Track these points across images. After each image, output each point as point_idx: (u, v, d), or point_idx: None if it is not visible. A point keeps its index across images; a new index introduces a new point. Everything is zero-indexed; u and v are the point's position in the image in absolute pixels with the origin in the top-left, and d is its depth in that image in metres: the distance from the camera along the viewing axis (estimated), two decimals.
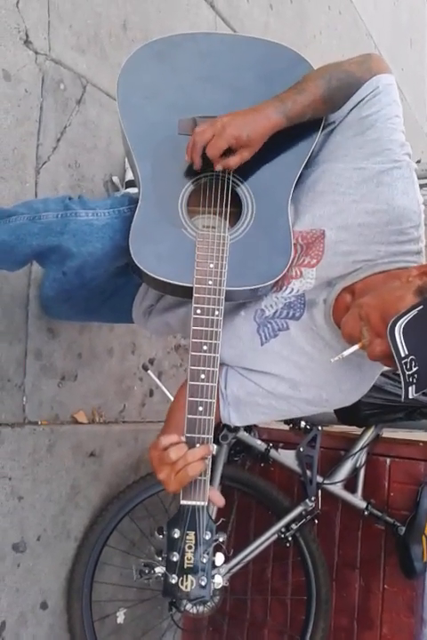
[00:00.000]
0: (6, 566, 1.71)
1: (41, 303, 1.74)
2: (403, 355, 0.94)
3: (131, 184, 1.92)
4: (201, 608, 1.83)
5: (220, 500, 1.01)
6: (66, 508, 1.88)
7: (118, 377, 2.07)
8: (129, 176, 1.94)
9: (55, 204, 1.25)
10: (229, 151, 1.15)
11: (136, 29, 2.04)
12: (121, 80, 1.26)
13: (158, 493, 2.04)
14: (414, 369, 0.93)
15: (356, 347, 1.03)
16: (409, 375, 0.94)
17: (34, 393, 1.76)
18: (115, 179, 1.95)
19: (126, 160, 1.96)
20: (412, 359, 0.93)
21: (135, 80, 1.27)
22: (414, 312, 0.95)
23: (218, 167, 1.15)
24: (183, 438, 0.97)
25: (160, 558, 0.96)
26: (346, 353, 1.04)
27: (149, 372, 2.04)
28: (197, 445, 0.97)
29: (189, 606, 1.80)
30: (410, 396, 0.95)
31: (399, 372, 0.95)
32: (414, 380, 0.94)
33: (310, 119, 1.18)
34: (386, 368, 1.19)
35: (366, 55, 1.21)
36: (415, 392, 0.95)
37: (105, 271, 1.33)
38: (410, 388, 0.94)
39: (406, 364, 0.94)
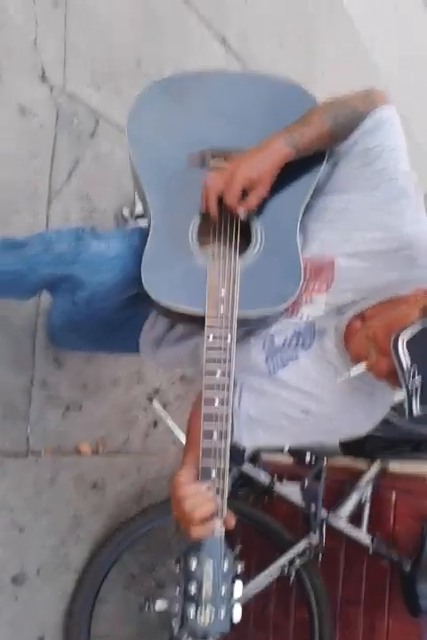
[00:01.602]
0: (4, 599, 1.69)
1: (48, 333, 1.75)
2: (406, 367, 0.95)
3: (141, 217, 1.94)
4: None
5: (230, 520, 0.99)
6: (66, 540, 1.86)
7: (123, 407, 2.07)
8: (139, 209, 1.97)
9: (68, 235, 1.27)
10: (243, 192, 1.17)
11: (150, 65, 2.10)
12: (131, 114, 1.29)
13: (161, 525, 2.02)
14: (419, 381, 0.94)
15: (362, 365, 1.04)
16: (413, 387, 0.94)
17: (38, 423, 1.76)
18: (125, 211, 1.98)
19: (136, 193, 2.00)
20: (415, 371, 0.94)
21: (145, 114, 1.30)
22: (417, 326, 0.97)
23: (241, 214, 1.18)
24: (203, 486, 0.98)
25: (177, 590, 0.93)
26: (353, 372, 1.05)
27: (154, 403, 2.04)
28: (213, 474, 0.97)
29: None
30: (415, 412, 0.95)
31: (403, 384, 0.95)
32: (418, 393, 0.94)
33: (316, 152, 1.21)
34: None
35: (368, 89, 1.24)
36: (420, 405, 0.95)
37: (114, 302, 1.34)
38: (414, 402, 0.95)
39: (408, 375, 0.95)
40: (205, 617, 0.91)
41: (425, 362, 0.95)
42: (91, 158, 1.89)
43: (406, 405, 0.96)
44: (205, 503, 0.96)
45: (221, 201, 1.18)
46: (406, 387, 0.95)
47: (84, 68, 1.87)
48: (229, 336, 1.05)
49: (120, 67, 2.00)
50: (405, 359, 0.95)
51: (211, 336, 1.05)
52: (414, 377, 0.94)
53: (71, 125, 1.83)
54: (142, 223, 1.85)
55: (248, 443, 1.27)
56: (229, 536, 0.96)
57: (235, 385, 1.22)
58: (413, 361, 0.94)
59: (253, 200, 1.18)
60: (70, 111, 1.82)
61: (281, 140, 1.17)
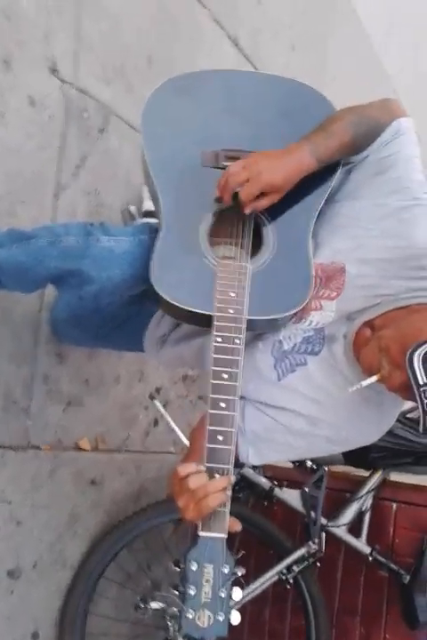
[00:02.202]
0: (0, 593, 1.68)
1: (51, 326, 1.74)
2: (421, 383, 0.94)
3: (148, 214, 1.93)
4: None
5: (235, 525, 0.97)
6: (63, 536, 1.85)
7: (124, 405, 2.06)
8: (146, 206, 1.96)
9: (77, 229, 1.26)
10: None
11: (161, 64, 2.09)
12: (145, 112, 1.29)
13: (158, 525, 2.01)
14: None
15: (374, 378, 1.03)
16: None
17: (39, 417, 1.75)
18: (132, 208, 1.97)
19: (144, 190, 1.99)
20: None
21: (159, 112, 1.30)
22: None
23: (248, 211, 1.17)
24: (203, 467, 0.95)
25: (176, 592, 0.92)
26: (365, 383, 1.04)
27: (155, 401, 2.03)
28: (217, 476, 0.95)
29: None
30: None
31: (418, 401, 0.94)
32: None
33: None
34: None
35: (385, 100, 1.24)
36: None
37: (120, 298, 1.33)
38: None
39: (424, 392, 0.94)
40: (203, 620, 0.90)
41: None
42: (99, 153, 1.88)
43: (420, 421, 0.95)
44: (211, 480, 0.93)
45: (234, 196, 1.17)
46: (422, 403, 0.94)
47: (96, 63, 1.86)
48: (238, 339, 1.04)
49: (131, 63, 1.98)
50: (421, 375, 0.94)
51: (219, 338, 1.04)
52: None
53: (81, 119, 1.82)
54: (149, 221, 1.84)
55: (255, 460, 1.25)
56: (228, 539, 0.94)
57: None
58: None
59: (266, 203, 1.17)
60: (80, 105, 1.81)
61: (306, 151, 1.16)
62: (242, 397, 1.23)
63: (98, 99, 1.86)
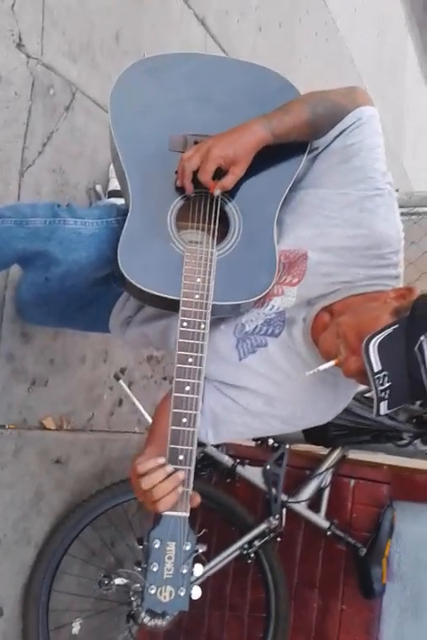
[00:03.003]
0: None
1: (16, 306, 1.73)
2: (376, 370, 0.97)
3: (113, 194, 1.93)
4: (159, 621, 1.82)
5: (195, 498, 0.99)
6: (28, 514, 1.86)
7: (89, 385, 2.06)
8: (112, 186, 1.95)
9: (44, 211, 1.25)
10: (219, 172, 1.17)
11: (128, 42, 2.07)
12: (114, 93, 1.28)
13: (122, 503, 2.03)
14: (387, 385, 0.96)
15: (332, 363, 1.06)
16: (381, 390, 0.97)
17: (3, 396, 1.74)
18: (98, 187, 1.95)
19: (110, 170, 1.98)
20: (385, 375, 0.97)
21: (128, 94, 1.28)
22: (388, 330, 0.99)
23: (216, 192, 1.18)
24: (162, 459, 0.98)
25: (139, 568, 0.95)
26: (322, 367, 1.07)
27: (120, 381, 2.04)
28: (180, 458, 0.98)
29: (146, 619, 1.79)
30: (381, 413, 0.98)
31: (372, 387, 0.98)
32: (386, 396, 0.97)
33: (294, 141, 1.22)
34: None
35: (351, 87, 1.25)
36: (388, 409, 0.98)
37: (86, 280, 1.33)
38: (382, 404, 0.98)
39: (378, 379, 0.97)
40: (164, 595, 0.94)
41: (394, 367, 0.97)
42: (65, 131, 1.86)
43: (374, 405, 0.98)
44: (165, 479, 0.96)
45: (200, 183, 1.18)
46: (376, 389, 0.97)
47: (62, 39, 1.83)
48: (203, 323, 1.06)
49: (98, 40, 1.96)
50: (376, 363, 0.97)
51: (185, 323, 1.06)
52: (383, 381, 0.96)
53: (47, 96, 1.79)
54: (117, 201, 1.83)
55: (213, 440, 1.28)
56: (191, 515, 0.97)
57: None
58: (383, 366, 0.97)
59: (229, 180, 1.18)
60: (46, 82, 1.78)
61: (259, 124, 1.17)
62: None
63: (64, 76, 1.84)
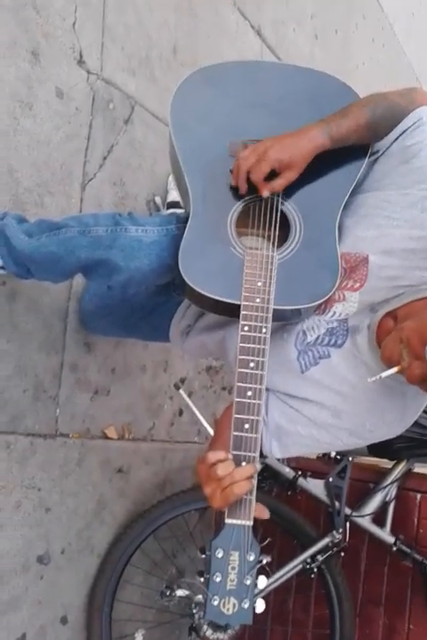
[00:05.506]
0: (30, 578, 1.71)
1: (80, 317, 1.76)
2: None
3: (172, 205, 1.94)
4: (221, 635, 1.80)
5: (264, 513, 0.97)
6: (91, 523, 1.88)
7: (149, 394, 2.08)
8: (171, 197, 1.97)
9: (105, 220, 1.27)
10: (274, 174, 1.17)
11: (185, 54, 2.10)
12: (174, 102, 1.30)
13: (183, 514, 2.03)
14: None
15: (394, 369, 1.02)
16: None
17: (67, 405, 1.78)
18: (157, 199, 1.98)
19: (169, 181, 2.00)
20: None
21: (188, 103, 1.30)
22: None
23: (265, 193, 1.18)
24: (230, 456, 0.96)
25: (202, 579, 0.93)
26: (385, 374, 1.03)
27: (180, 391, 2.04)
28: (244, 464, 0.96)
29: (208, 632, 1.77)
30: None
31: None
32: None
33: (354, 144, 1.20)
34: None
35: (410, 88, 1.22)
36: None
37: (147, 288, 1.34)
38: None
39: None
40: (227, 607, 0.91)
41: None
42: (125, 144, 1.89)
43: None
44: (238, 468, 0.94)
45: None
46: None
47: (121, 54, 1.87)
48: (264, 328, 1.05)
49: (156, 54, 2.00)
50: None
51: (246, 327, 1.04)
52: None
53: (107, 110, 1.83)
54: (175, 211, 1.85)
55: (279, 453, 1.25)
56: (253, 528, 0.94)
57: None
58: None
59: (280, 183, 1.17)
60: (106, 96, 1.83)
61: (317, 129, 1.17)
62: (266, 389, 1.23)
63: (123, 90, 1.88)
